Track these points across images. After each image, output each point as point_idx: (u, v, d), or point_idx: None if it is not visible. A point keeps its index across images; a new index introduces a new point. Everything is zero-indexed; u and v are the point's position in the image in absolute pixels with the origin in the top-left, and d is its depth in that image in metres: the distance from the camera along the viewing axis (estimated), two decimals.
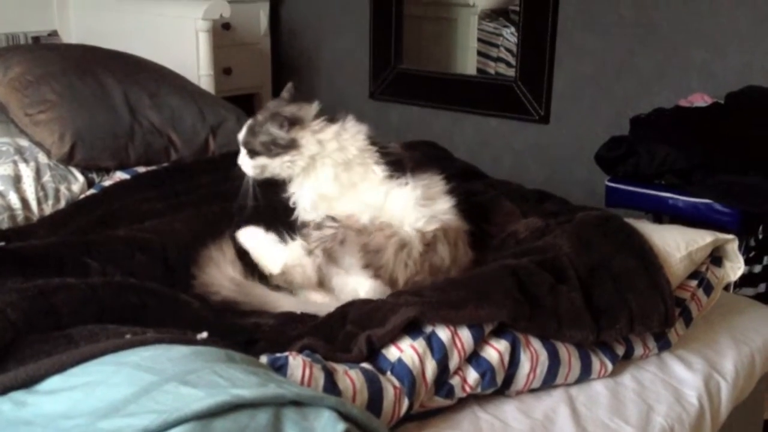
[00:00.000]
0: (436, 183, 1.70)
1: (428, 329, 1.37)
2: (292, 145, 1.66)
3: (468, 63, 3.75)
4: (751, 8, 2.78)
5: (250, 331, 1.42)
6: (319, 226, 1.64)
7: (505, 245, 1.81)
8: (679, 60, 2.96)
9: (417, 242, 1.60)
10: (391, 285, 1.59)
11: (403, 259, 1.59)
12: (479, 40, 3.66)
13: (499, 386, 1.42)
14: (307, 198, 1.69)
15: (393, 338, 1.35)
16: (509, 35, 3.49)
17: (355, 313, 1.42)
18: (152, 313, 1.34)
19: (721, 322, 1.84)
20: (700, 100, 2.71)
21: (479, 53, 3.65)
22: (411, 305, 1.37)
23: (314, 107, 1.72)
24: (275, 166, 1.68)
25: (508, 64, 3.46)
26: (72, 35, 3.28)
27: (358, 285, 1.60)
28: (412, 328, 1.36)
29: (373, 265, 1.59)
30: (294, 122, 1.66)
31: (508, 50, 3.48)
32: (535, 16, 3.24)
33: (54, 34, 3.25)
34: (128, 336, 1.13)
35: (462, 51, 3.80)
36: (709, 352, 1.71)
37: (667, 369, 1.63)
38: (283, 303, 1.60)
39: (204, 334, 1.19)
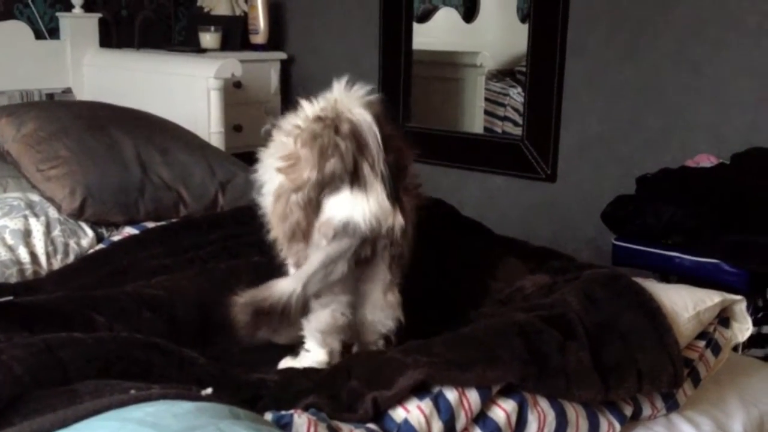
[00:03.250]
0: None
1: (435, 389, 1.36)
2: None
3: (475, 122, 3.79)
4: (755, 71, 2.81)
5: (255, 387, 1.42)
6: None
7: (512, 299, 1.81)
8: (685, 121, 2.98)
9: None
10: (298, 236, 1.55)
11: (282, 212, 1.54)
12: (486, 99, 3.71)
13: None
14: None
15: (399, 400, 1.34)
16: (516, 95, 3.53)
17: (359, 368, 1.41)
18: (157, 369, 1.34)
19: (730, 383, 1.82)
20: (706, 160, 2.73)
21: (486, 112, 3.70)
22: (418, 366, 1.36)
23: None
24: None
25: (515, 123, 3.49)
26: (85, 93, 3.34)
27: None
28: (419, 387, 1.35)
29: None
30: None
31: (515, 109, 3.52)
32: (542, 76, 3.28)
33: (68, 91, 3.31)
34: (133, 391, 1.13)
35: (469, 110, 3.85)
36: (717, 413, 1.70)
37: (676, 430, 1.61)
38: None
39: (209, 390, 1.19)
